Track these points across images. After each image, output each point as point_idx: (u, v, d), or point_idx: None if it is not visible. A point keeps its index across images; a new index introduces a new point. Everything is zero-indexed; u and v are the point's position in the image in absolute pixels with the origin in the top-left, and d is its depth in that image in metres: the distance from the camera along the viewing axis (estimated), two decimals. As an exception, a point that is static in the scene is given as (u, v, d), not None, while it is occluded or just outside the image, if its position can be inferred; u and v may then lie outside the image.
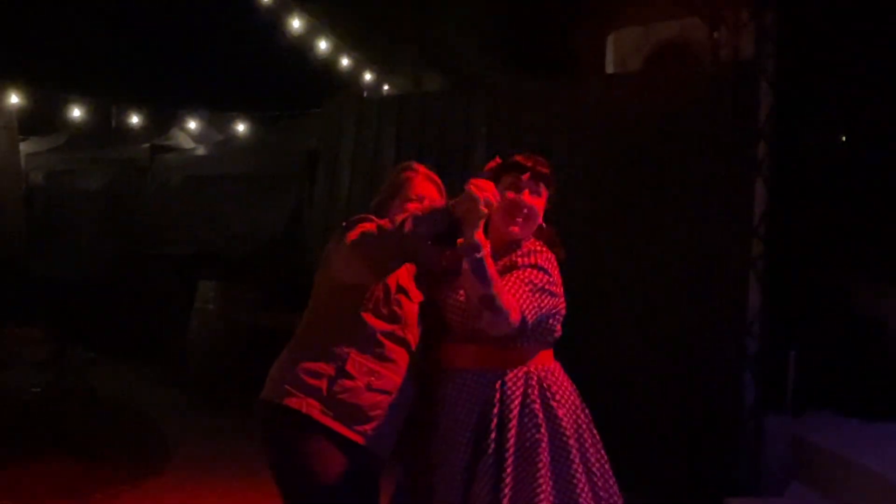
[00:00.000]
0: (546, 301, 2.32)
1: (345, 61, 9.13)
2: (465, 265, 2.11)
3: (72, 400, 6.08)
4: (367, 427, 2.28)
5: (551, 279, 2.36)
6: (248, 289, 6.89)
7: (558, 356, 2.51)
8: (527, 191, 2.44)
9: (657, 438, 4.84)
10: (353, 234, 2.19)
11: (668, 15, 6.01)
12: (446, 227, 2.10)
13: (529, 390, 2.34)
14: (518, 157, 2.48)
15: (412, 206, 2.45)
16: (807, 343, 4.91)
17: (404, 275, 2.42)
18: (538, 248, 2.44)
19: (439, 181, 2.60)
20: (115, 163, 9.52)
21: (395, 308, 2.36)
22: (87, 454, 5.09)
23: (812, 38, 5.01)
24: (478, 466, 2.26)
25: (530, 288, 2.28)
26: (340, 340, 2.30)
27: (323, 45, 8.85)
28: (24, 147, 9.86)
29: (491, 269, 2.11)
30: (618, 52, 6.18)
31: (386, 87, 9.57)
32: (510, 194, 2.42)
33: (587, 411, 2.45)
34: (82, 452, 5.11)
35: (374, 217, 2.38)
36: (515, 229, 2.43)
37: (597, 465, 2.37)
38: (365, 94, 9.00)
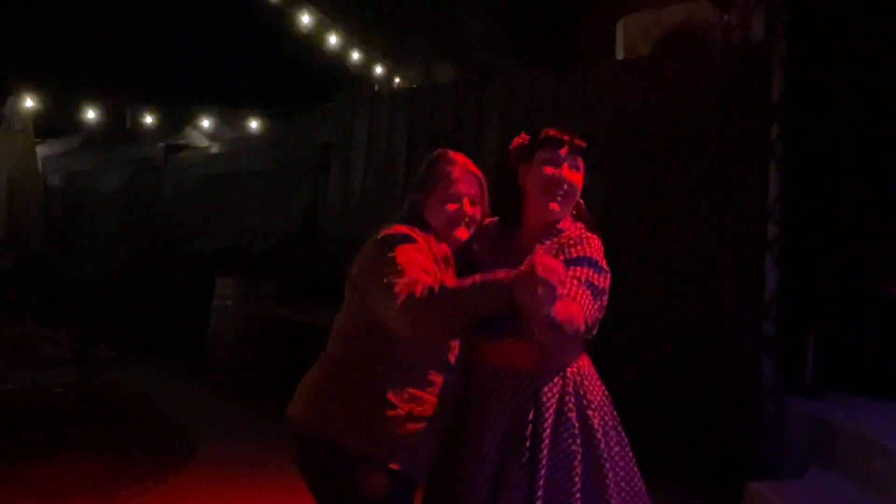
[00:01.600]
0: (604, 301, 2.19)
1: (355, 55, 9.15)
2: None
3: (95, 397, 6.14)
4: (408, 454, 2.20)
5: (604, 273, 2.22)
6: (266, 283, 6.93)
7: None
8: (566, 164, 2.30)
9: (677, 423, 4.85)
10: (402, 291, 1.95)
11: (678, -1, 5.98)
12: (506, 309, 1.83)
13: (567, 397, 2.24)
14: (552, 131, 2.34)
15: (451, 208, 2.31)
16: (825, 325, 4.89)
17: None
18: (583, 232, 2.31)
19: (479, 172, 2.41)
20: (130, 163, 9.58)
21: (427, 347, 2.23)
22: (111, 451, 5.14)
23: (824, 17, 4.97)
24: (509, 472, 2.18)
25: (591, 292, 2.13)
26: (381, 367, 2.19)
27: (333, 39, 8.87)
28: (41, 150, 9.93)
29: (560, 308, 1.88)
30: (628, 37, 6.15)
31: (397, 80, 9.59)
32: (548, 169, 2.30)
33: (615, 413, 2.37)
34: (107, 449, 5.17)
35: (414, 233, 2.23)
36: (555, 207, 2.31)
37: (623, 471, 2.29)
38: (376, 88, 9.02)
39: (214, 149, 9.25)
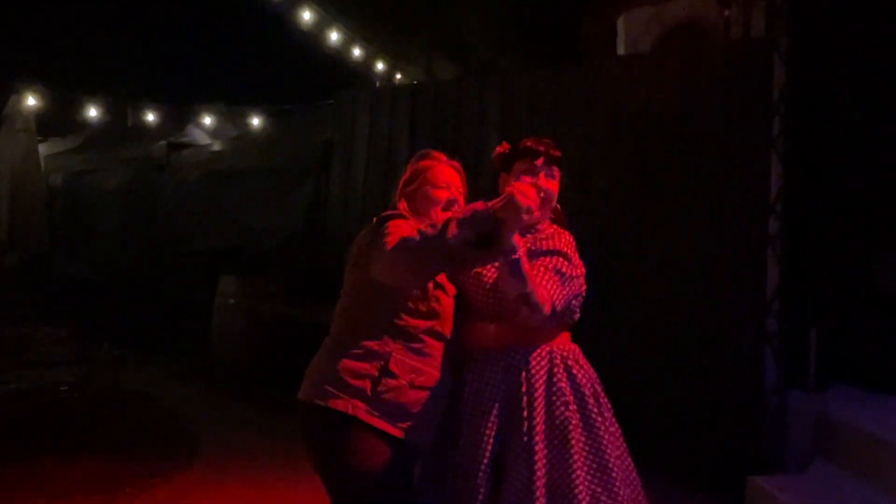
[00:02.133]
0: (573, 287, 2.37)
1: (356, 52, 9.15)
2: (503, 266, 2.17)
3: (99, 397, 6.16)
4: (411, 423, 2.29)
5: (573, 263, 2.40)
6: (269, 281, 6.94)
7: (578, 336, 2.52)
8: (542, 174, 2.48)
9: (679, 418, 4.86)
10: (392, 239, 2.17)
11: (679, -6, 5.98)
12: (489, 230, 2.06)
13: (555, 368, 2.37)
14: (529, 142, 2.52)
15: (439, 194, 2.49)
16: (827, 320, 4.89)
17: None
18: (556, 230, 2.49)
19: (460, 167, 2.61)
20: (132, 161, 9.59)
21: (434, 304, 2.36)
22: (115, 450, 5.16)
23: (825, 12, 4.97)
24: (510, 446, 2.29)
25: (559, 277, 2.33)
26: (381, 339, 2.30)
27: (334, 36, 8.87)
28: (43, 149, 9.93)
29: (526, 267, 2.17)
30: (629, 33, 6.15)
31: (398, 77, 9.58)
32: (526, 179, 2.45)
33: (603, 389, 2.48)
34: (110, 449, 5.18)
35: (406, 213, 2.41)
36: (535, 213, 2.38)
37: (615, 433, 2.42)
38: (377, 85, 9.02)
39: (216, 147, 9.26)
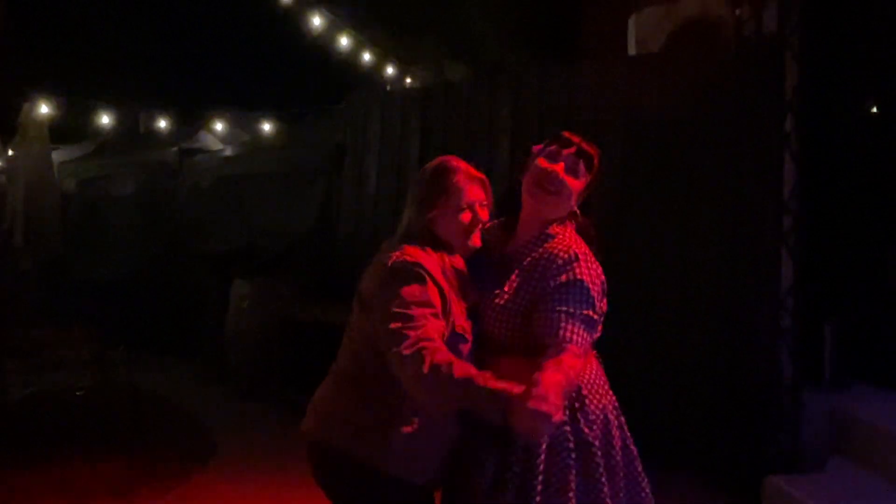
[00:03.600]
0: (596, 323, 2.14)
1: (366, 56, 9.18)
2: None
3: (115, 399, 6.20)
4: (423, 466, 2.22)
5: (594, 297, 2.13)
6: (282, 284, 6.97)
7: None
8: (563, 164, 2.23)
9: (695, 417, 4.85)
10: (409, 360, 1.94)
11: (688, -7, 5.97)
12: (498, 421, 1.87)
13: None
14: (565, 133, 2.29)
15: (465, 218, 2.26)
16: (843, 316, 4.88)
17: (461, 316, 2.21)
18: (567, 251, 2.19)
19: (482, 176, 2.35)
20: (145, 167, 9.65)
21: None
22: (132, 452, 5.19)
23: (836, 9, 4.97)
24: (505, 483, 2.13)
25: (581, 323, 2.07)
26: (393, 386, 2.10)
27: (344, 41, 8.90)
28: (56, 156, 10.01)
29: (564, 387, 1.89)
30: (640, 32, 6.14)
31: (408, 80, 9.60)
32: (543, 162, 2.25)
33: (623, 427, 2.31)
34: (128, 450, 5.22)
35: (425, 261, 2.17)
36: (542, 203, 2.26)
37: (625, 484, 2.25)
38: (388, 88, 9.05)
39: (228, 152, 9.30)
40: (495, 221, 2.46)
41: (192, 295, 8.17)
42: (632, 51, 6.22)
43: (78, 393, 6.51)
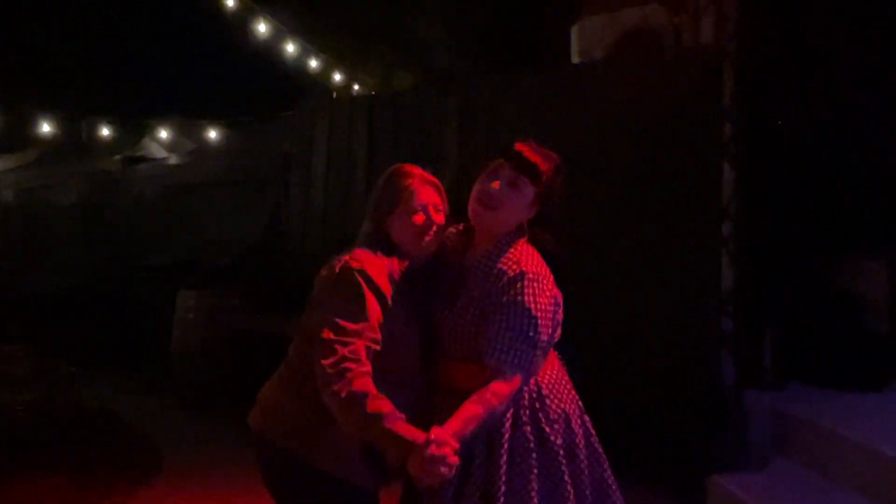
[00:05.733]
0: (536, 341, 2.14)
1: (313, 63, 9.14)
2: None
3: (58, 415, 6.07)
4: (361, 468, 2.23)
5: (535, 316, 2.13)
6: (229, 295, 6.90)
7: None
8: (505, 178, 2.23)
9: (639, 420, 4.91)
10: (331, 379, 2.00)
11: (631, 2, 6.07)
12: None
13: (521, 411, 2.19)
14: (517, 145, 2.29)
15: (418, 220, 2.29)
16: (782, 319, 4.99)
17: (404, 321, 2.26)
18: (515, 268, 2.18)
19: (437, 181, 2.40)
20: (87, 176, 9.48)
21: (385, 361, 2.19)
22: (77, 469, 5.08)
23: (773, 18, 5.08)
24: (466, 487, 2.15)
25: (526, 344, 2.11)
26: None
27: (291, 47, 8.85)
28: (-5, 165, 9.81)
29: (476, 422, 2.01)
30: (583, 41, 6.23)
31: (356, 87, 9.59)
32: (483, 177, 2.27)
33: (587, 426, 2.33)
34: (72, 467, 5.11)
35: (370, 266, 2.19)
36: (475, 215, 2.27)
37: (591, 484, 2.27)
38: (335, 95, 9.02)
39: (173, 160, 9.19)
40: (458, 227, 2.46)
41: (138, 308, 8.03)
42: (575, 59, 6.29)
43: (19, 408, 6.36)
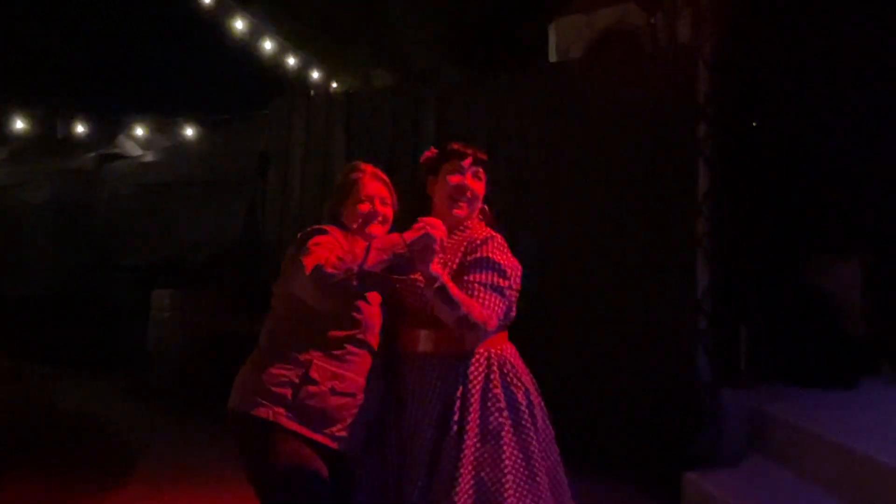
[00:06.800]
0: (508, 295, 2.40)
1: (291, 61, 9.09)
2: (431, 296, 2.23)
3: (30, 417, 6.00)
4: (335, 429, 2.35)
5: (505, 270, 2.41)
6: (205, 294, 6.85)
7: (513, 335, 2.55)
8: (469, 174, 2.56)
9: (616, 417, 4.94)
10: (309, 262, 2.23)
11: (608, 2, 6.09)
12: (403, 261, 2.24)
13: (491, 374, 2.39)
14: (456, 146, 2.60)
15: (362, 207, 2.55)
16: (757, 317, 5.03)
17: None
18: (484, 234, 2.49)
19: (386, 178, 2.68)
20: (62, 174, 9.37)
21: (355, 314, 2.40)
22: (49, 472, 5.02)
23: (747, 19, 5.11)
24: (441, 446, 2.31)
25: (496, 293, 2.36)
26: (303, 347, 2.36)
27: (268, 45, 8.79)
28: (-34, 163, 9.68)
29: (455, 291, 2.24)
30: (560, 40, 6.24)
31: (334, 85, 9.55)
32: (453, 179, 2.55)
33: (539, 391, 2.52)
34: (45, 470, 5.04)
35: (328, 228, 2.46)
36: (460, 213, 2.54)
37: (546, 441, 2.45)
38: (312, 93, 8.97)
39: (149, 158, 9.10)
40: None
41: (113, 307, 7.96)
42: (553, 58, 6.31)
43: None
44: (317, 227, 2.48)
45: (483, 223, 2.61)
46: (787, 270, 5.33)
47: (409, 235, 2.22)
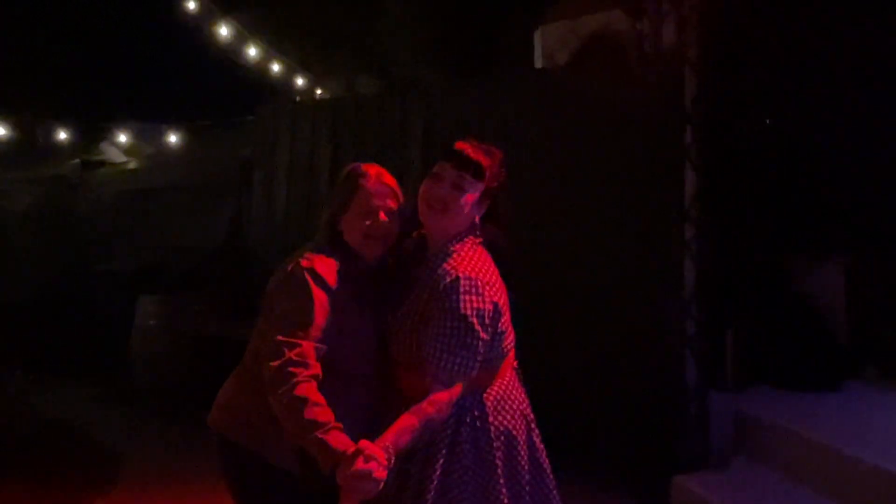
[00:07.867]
0: (477, 345, 2.10)
1: (276, 67, 9.07)
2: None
3: (13, 425, 5.94)
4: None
5: (472, 322, 2.09)
6: (190, 300, 6.81)
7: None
8: (450, 180, 2.21)
9: (604, 421, 4.94)
10: (274, 372, 2.04)
11: (594, 8, 6.11)
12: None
13: (462, 427, 2.17)
14: (457, 144, 2.27)
15: (368, 223, 2.30)
16: (744, 321, 5.05)
17: (353, 324, 2.27)
18: (454, 273, 2.13)
19: (393, 183, 2.39)
20: (44, 181, 9.30)
21: (335, 354, 2.20)
22: (32, 480, 4.97)
23: (733, 23, 5.15)
24: (402, 496, 2.14)
25: (457, 350, 2.07)
26: None
27: (252, 51, 8.78)
28: (-54, 170, 9.57)
29: (411, 433, 1.98)
30: (546, 46, 6.25)
31: (319, 92, 9.54)
32: (428, 181, 2.25)
33: (533, 442, 2.30)
34: (28, 478, 5.00)
35: (328, 262, 2.25)
36: (426, 219, 2.26)
37: (530, 499, 2.24)
38: (298, 99, 8.96)
39: (132, 164, 9.06)
40: (419, 232, 2.44)
41: (98, 314, 7.89)
42: (538, 64, 6.32)
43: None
44: (318, 265, 2.22)
45: (479, 247, 2.26)
46: (773, 274, 5.36)
47: (343, 473, 1.87)
